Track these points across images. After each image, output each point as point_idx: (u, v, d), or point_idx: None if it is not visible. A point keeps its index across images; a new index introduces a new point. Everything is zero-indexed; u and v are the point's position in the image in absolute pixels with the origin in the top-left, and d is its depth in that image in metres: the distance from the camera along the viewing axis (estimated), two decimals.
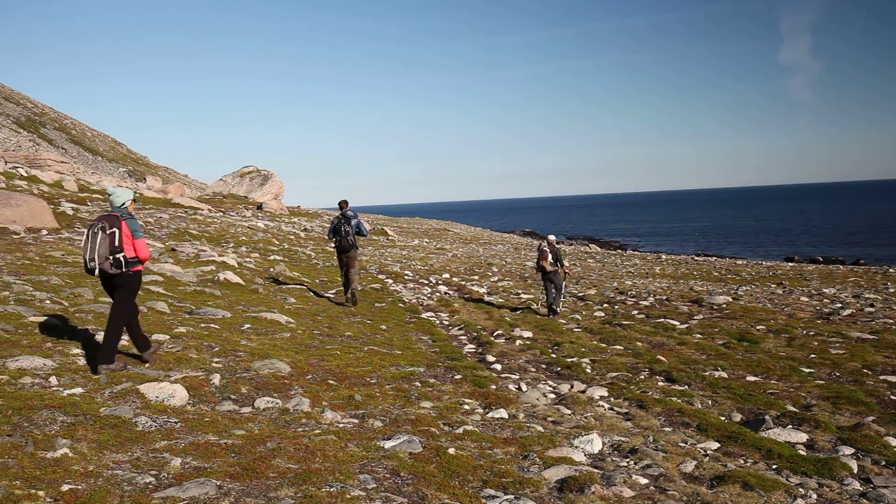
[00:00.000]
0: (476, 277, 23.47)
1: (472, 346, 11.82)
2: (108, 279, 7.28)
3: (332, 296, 15.55)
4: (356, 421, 6.64)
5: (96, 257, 7.03)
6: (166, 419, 5.97)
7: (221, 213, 34.40)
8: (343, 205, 14.68)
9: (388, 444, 5.84)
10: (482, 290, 19.60)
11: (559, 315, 15.74)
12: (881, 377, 10.00)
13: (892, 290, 23.60)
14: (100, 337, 8.34)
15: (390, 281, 19.99)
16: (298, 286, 15.91)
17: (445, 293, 18.62)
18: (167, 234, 21.82)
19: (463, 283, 21.23)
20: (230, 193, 50.40)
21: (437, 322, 14.04)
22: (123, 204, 7.45)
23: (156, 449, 5.30)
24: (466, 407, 7.50)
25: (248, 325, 10.53)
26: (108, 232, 7.05)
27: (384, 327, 12.52)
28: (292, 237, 29.59)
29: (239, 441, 5.63)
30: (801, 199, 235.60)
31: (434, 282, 20.84)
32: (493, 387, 8.60)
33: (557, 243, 16.86)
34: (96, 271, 7.10)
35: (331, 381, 8.01)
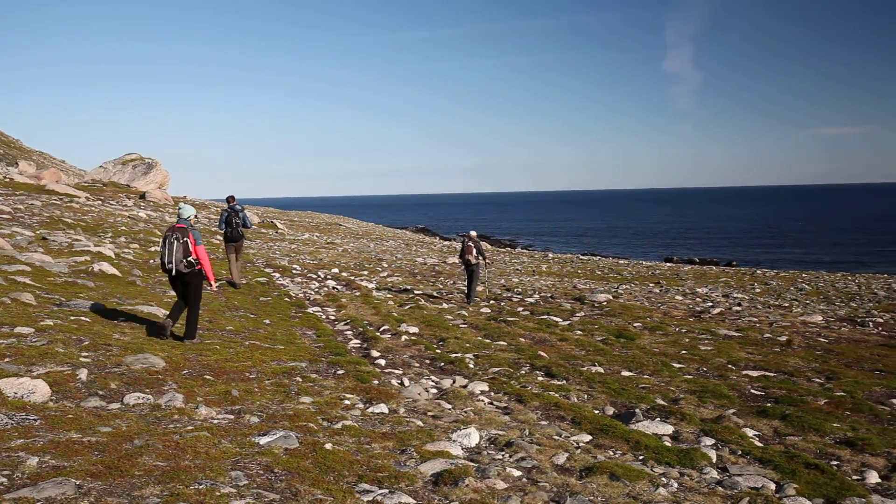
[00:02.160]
0: (366, 273, 23.40)
1: (358, 341, 11.77)
2: (180, 276, 9.21)
3: (215, 289, 15.08)
4: (232, 417, 6.49)
5: (174, 260, 9.03)
6: (24, 416, 5.65)
7: (100, 202, 32.79)
8: (230, 199, 16.26)
9: (263, 440, 5.74)
10: (371, 286, 19.54)
11: (477, 304, 17.27)
12: (743, 372, 10.63)
13: (758, 291, 25.16)
14: None
15: (277, 275, 19.62)
16: None
17: (334, 288, 18.46)
18: (38, 222, 20.62)
19: (352, 278, 21.10)
20: (111, 181, 48.12)
21: (324, 317, 13.90)
22: (189, 217, 9.43)
23: (11, 448, 5.00)
24: (347, 402, 7.46)
25: (123, 318, 10.10)
26: (181, 241, 9.05)
27: (268, 322, 12.29)
28: None
29: (104, 438, 5.39)
30: (683, 202, 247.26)
31: (322, 276, 20.61)
32: (376, 382, 8.59)
33: (479, 238, 18.55)
34: (174, 271, 9.08)
35: (207, 377, 7.79)
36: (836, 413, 8.27)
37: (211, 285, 9.83)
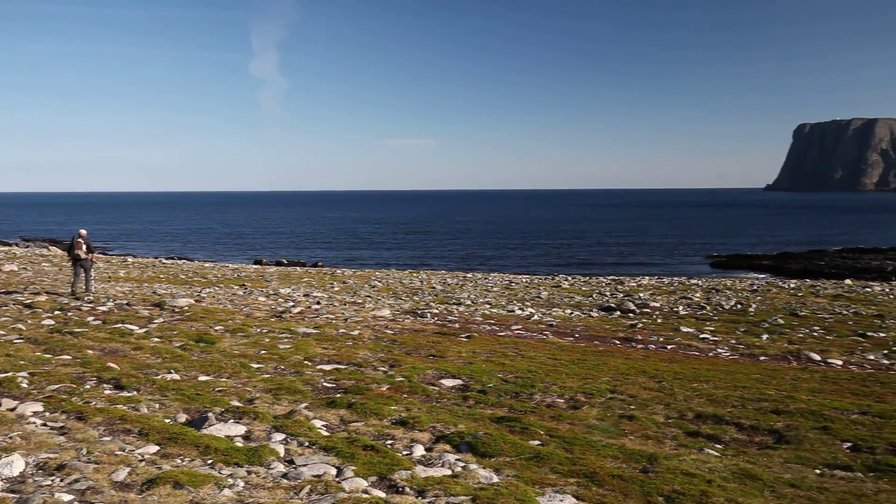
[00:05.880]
0: None
1: None
2: None
3: None
4: None
5: None
6: None
7: None
8: None
9: None
10: None
11: (94, 295, 18.87)
12: (318, 367, 11.16)
13: (336, 289, 26.71)
14: None
15: None
16: None
17: None
18: None
19: None
20: None
21: None
22: None
23: None
24: None
25: None
26: None
27: None
28: None
29: None
30: (270, 205, 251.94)
31: None
32: None
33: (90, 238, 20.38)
34: None
35: None
36: (396, 397, 9.14)
37: None
